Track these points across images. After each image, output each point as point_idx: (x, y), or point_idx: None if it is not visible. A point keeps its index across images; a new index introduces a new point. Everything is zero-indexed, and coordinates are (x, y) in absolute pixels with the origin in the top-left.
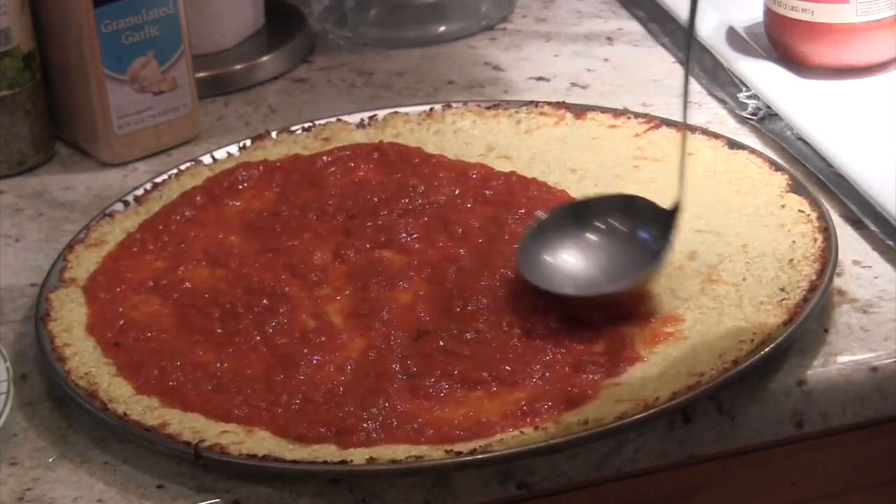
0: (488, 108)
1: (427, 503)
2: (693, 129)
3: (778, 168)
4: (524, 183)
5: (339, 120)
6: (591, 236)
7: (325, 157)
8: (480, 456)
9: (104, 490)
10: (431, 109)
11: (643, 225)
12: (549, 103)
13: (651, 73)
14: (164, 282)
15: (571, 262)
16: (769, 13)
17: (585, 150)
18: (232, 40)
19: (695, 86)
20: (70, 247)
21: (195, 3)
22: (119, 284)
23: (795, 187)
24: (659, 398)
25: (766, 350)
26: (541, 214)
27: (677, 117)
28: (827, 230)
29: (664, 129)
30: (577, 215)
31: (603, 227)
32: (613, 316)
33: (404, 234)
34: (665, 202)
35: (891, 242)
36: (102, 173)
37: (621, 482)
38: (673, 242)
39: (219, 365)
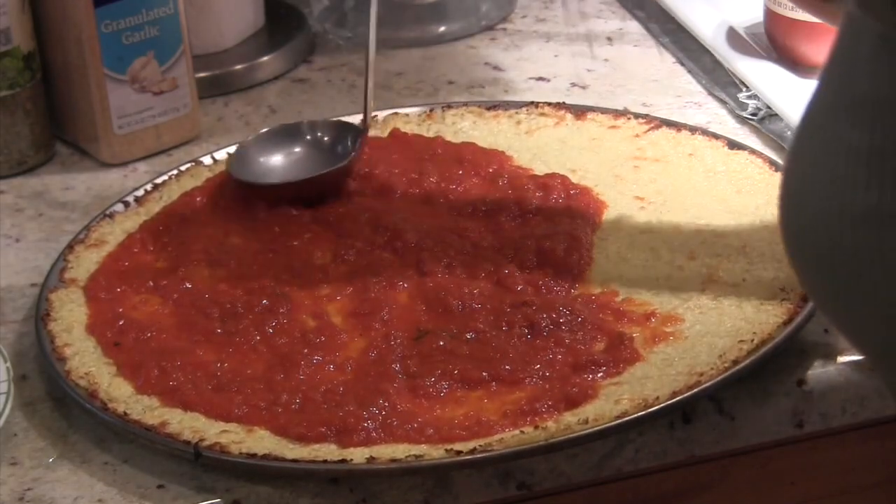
0: (488, 108)
1: (427, 503)
2: (693, 129)
3: (778, 168)
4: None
5: (339, 120)
6: (298, 148)
7: None
8: (480, 456)
9: (104, 490)
10: (431, 110)
11: (342, 141)
12: (549, 104)
13: (651, 73)
14: (164, 282)
15: (278, 164)
16: (769, 13)
17: (585, 151)
18: (232, 40)
19: (695, 86)
20: (70, 247)
21: (195, 3)
22: (119, 284)
23: None
24: (659, 398)
25: (766, 350)
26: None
27: (677, 117)
28: None
29: (664, 130)
30: (290, 130)
31: (310, 141)
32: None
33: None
34: (665, 203)
35: None
36: (102, 173)
37: (621, 482)
38: (358, 153)
39: (219, 365)
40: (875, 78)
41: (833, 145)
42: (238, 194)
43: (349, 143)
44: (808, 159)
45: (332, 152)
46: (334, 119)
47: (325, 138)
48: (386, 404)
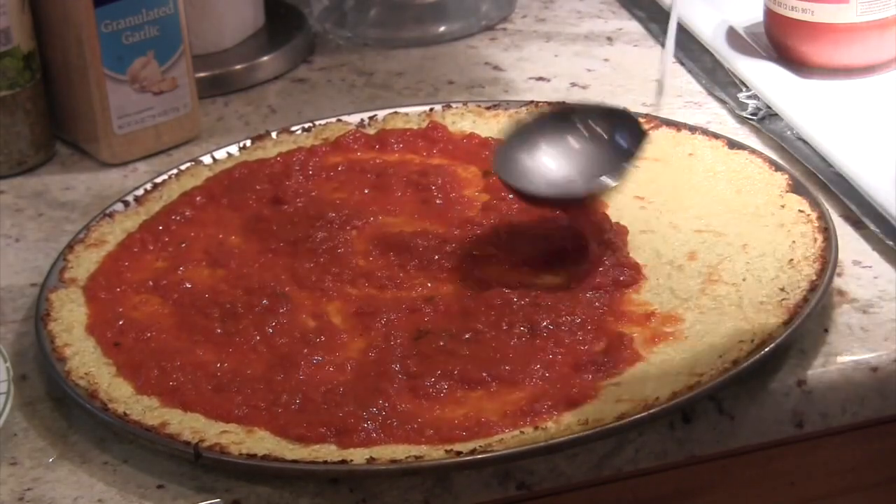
0: (488, 108)
1: (427, 503)
2: (693, 128)
3: (778, 168)
4: None
5: (339, 120)
6: (571, 139)
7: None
8: (480, 456)
9: (104, 490)
10: (431, 109)
11: (620, 132)
12: (550, 103)
13: (651, 73)
14: (164, 282)
15: (549, 163)
16: (769, 13)
17: None
18: (232, 40)
19: (695, 86)
20: (70, 247)
21: (195, 3)
22: (119, 284)
23: (795, 187)
24: (659, 398)
25: (766, 350)
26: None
27: (678, 117)
28: (827, 230)
29: (664, 129)
30: (558, 119)
31: (583, 130)
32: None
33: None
34: (665, 202)
35: (891, 242)
36: (102, 173)
37: (621, 482)
38: (642, 147)
39: (219, 365)
40: None
41: None
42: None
43: (625, 141)
44: None
45: (612, 148)
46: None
47: (599, 128)
48: (386, 404)
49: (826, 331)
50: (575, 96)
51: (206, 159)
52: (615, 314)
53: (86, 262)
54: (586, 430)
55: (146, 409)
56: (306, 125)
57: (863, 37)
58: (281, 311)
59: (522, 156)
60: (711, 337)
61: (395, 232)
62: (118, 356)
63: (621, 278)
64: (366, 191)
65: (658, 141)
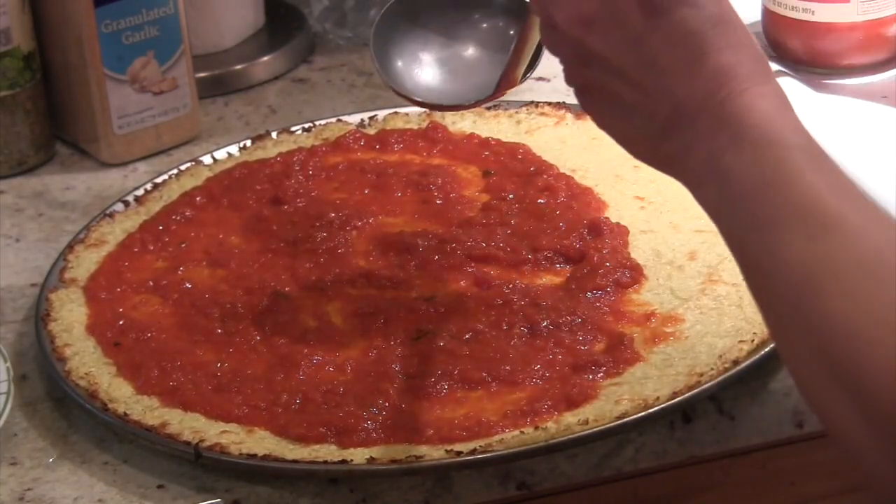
0: (488, 108)
1: (427, 503)
2: None
3: None
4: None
5: (339, 120)
6: (457, 27)
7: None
8: (480, 456)
9: (104, 490)
10: None
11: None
12: (549, 103)
13: None
14: (164, 282)
15: (432, 60)
16: (768, 13)
17: (585, 150)
18: (232, 40)
19: None
20: (70, 247)
21: (195, 3)
22: (119, 284)
23: None
24: (659, 398)
25: (766, 350)
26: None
27: None
28: None
29: None
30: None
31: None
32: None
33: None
34: (665, 203)
35: None
36: (102, 173)
37: (621, 482)
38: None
39: (219, 365)
40: None
41: None
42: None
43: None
44: None
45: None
46: None
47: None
48: (386, 404)
49: None
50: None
51: (206, 159)
52: (615, 314)
53: (86, 262)
54: (586, 430)
55: (146, 409)
56: (306, 125)
57: (863, 37)
58: (281, 311)
59: (405, 45)
60: (711, 337)
61: (395, 232)
62: (118, 356)
63: (622, 278)
64: (366, 191)
65: None
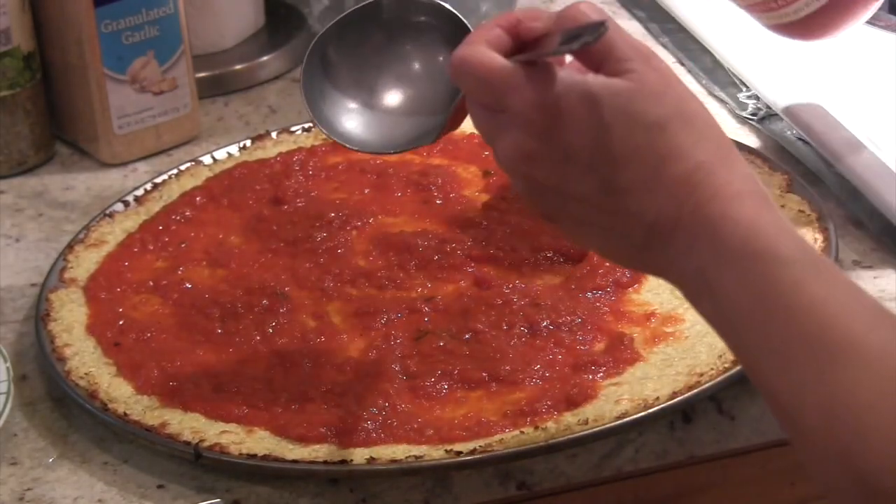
0: None
1: (427, 503)
2: None
3: (778, 168)
4: None
5: None
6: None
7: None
8: (480, 456)
9: (104, 490)
10: None
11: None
12: None
13: None
14: (164, 282)
15: (358, 107)
16: None
17: None
18: (232, 40)
19: (695, 86)
20: (70, 247)
21: (195, 3)
22: (119, 284)
23: (795, 187)
24: (659, 398)
25: None
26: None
27: None
28: (827, 230)
29: None
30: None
31: (406, 43)
32: None
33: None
34: None
35: (891, 242)
36: (102, 173)
37: (621, 482)
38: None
39: (219, 365)
40: None
41: None
42: (238, 195)
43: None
44: None
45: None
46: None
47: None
48: (386, 404)
49: None
50: None
51: (206, 159)
52: (615, 314)
53: (86, 262)
54: (586, 430)
55: (146, 409)
56: (306, 125)
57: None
58: (281, 311)
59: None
60: (711, 337)
61: (395, 232)
62: (118, 356)
63: (621, 278)
64: (366, 191)
65: None
